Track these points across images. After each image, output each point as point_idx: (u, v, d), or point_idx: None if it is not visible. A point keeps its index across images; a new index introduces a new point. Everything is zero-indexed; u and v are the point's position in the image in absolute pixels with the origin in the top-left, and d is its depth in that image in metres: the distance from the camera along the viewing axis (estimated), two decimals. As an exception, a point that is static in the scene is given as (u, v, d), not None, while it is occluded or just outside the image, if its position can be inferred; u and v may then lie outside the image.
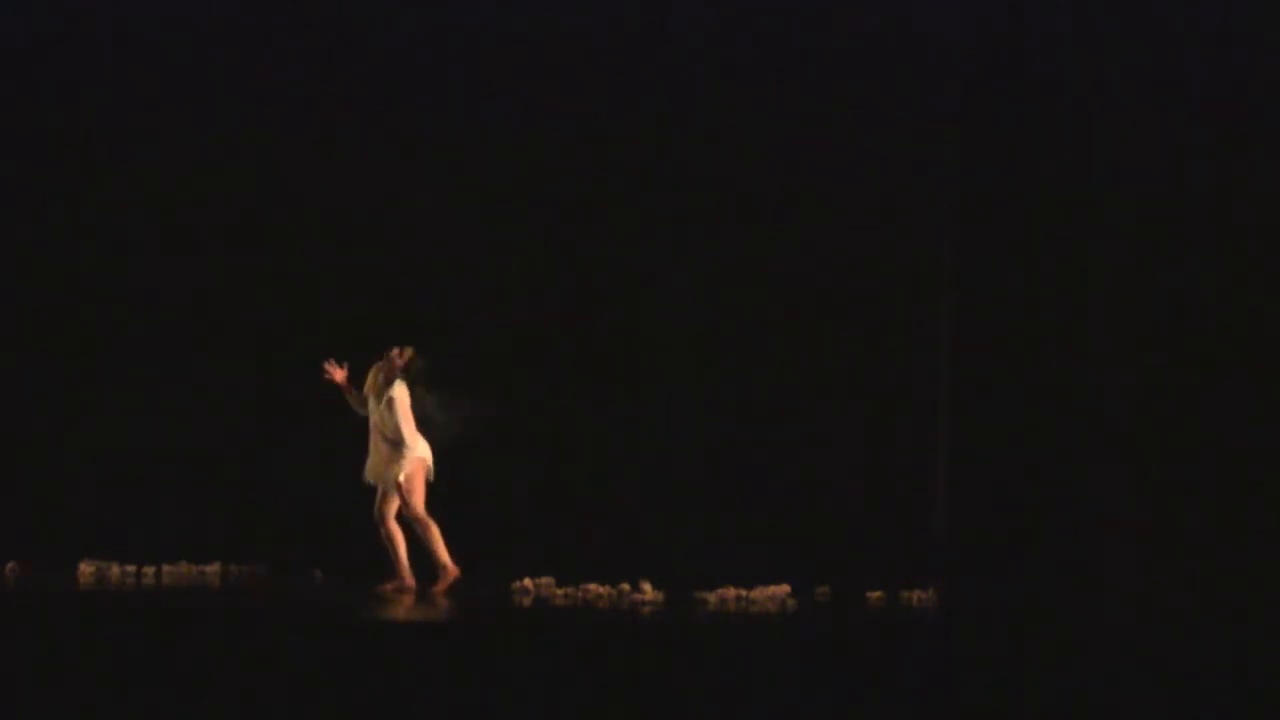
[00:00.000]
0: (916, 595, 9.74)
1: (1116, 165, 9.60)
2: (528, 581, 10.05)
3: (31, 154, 12.57)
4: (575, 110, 11.92)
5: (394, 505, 10.13)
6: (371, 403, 10.33)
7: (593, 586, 9.71)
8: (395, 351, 10.31)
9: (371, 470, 10.23)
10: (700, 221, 11.69)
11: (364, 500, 10.56)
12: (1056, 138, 9.35)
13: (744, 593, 9.63)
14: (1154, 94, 9.67)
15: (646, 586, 9.65)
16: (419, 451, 10.13)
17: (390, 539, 10.11)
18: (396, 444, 10.11)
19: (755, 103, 11.64)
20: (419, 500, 10.08)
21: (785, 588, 9.75)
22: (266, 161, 12.17)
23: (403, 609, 9.23)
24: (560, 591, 9.77)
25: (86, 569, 10.74)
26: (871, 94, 11.42)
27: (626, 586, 9.69)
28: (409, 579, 10.07)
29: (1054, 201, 9.31)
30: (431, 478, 10.20)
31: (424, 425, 10.32)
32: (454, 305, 11.97)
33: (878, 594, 9.79)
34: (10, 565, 10.69)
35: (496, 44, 11.90)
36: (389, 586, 10.00)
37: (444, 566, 10.00)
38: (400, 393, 10.18)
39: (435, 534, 10.03)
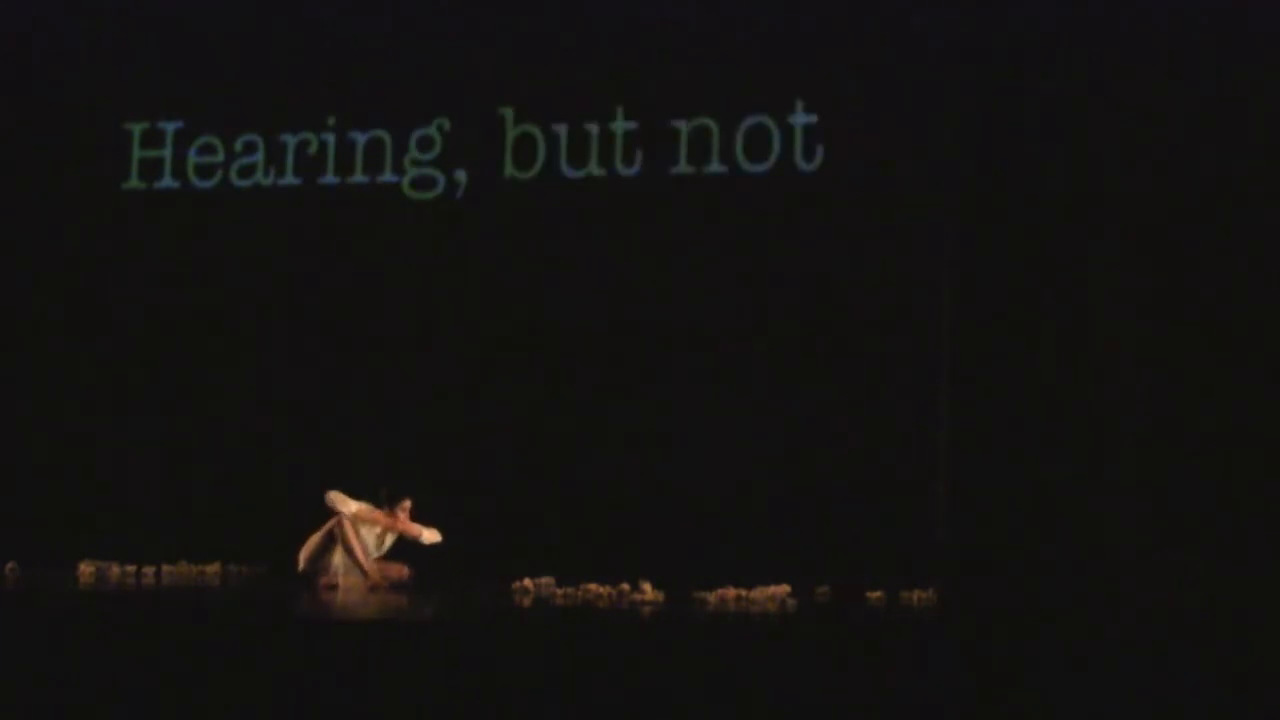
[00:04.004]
0: (916, 595, 9.74)
1: (1117, 165, 9.61)
2: (528, 581, 10.05)
3: (31, 150, 12.61)
4: (580, 112, 11.97)
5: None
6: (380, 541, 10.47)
7: (593, 586, 9.70)
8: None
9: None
10: (700, 221, 11.70)
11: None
12: (1057, 138, 9.36)
13: (744, 593, 9.62)
14: (1154, 93, 9.67)
15: (646, 586, 9.64)
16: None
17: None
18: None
19: (756, 100, 11.66)
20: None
21: (785, 588, 9.74)
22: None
23: (400, 609, 9.22)
24: (560, 591, 9.77)
25: (86, 569, 10.73)
26: (872, 94, 11.43)
27: (626, 586, 9.68)
28: (373, 573, 10.24)
29: (1054, 201, 9.31)
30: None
31: None
32: (455, 303, 11.99)
33: (878, 594, 9.78)
34: (10, 565, 10.69)
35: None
36: (367, 584, 10.15)
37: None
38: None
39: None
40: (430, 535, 10.53)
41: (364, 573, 10.20)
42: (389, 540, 10.49)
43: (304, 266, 12.23)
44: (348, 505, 10.26)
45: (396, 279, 12.11)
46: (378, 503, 10.42)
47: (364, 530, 10.34)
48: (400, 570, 10.45)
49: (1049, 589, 8.66)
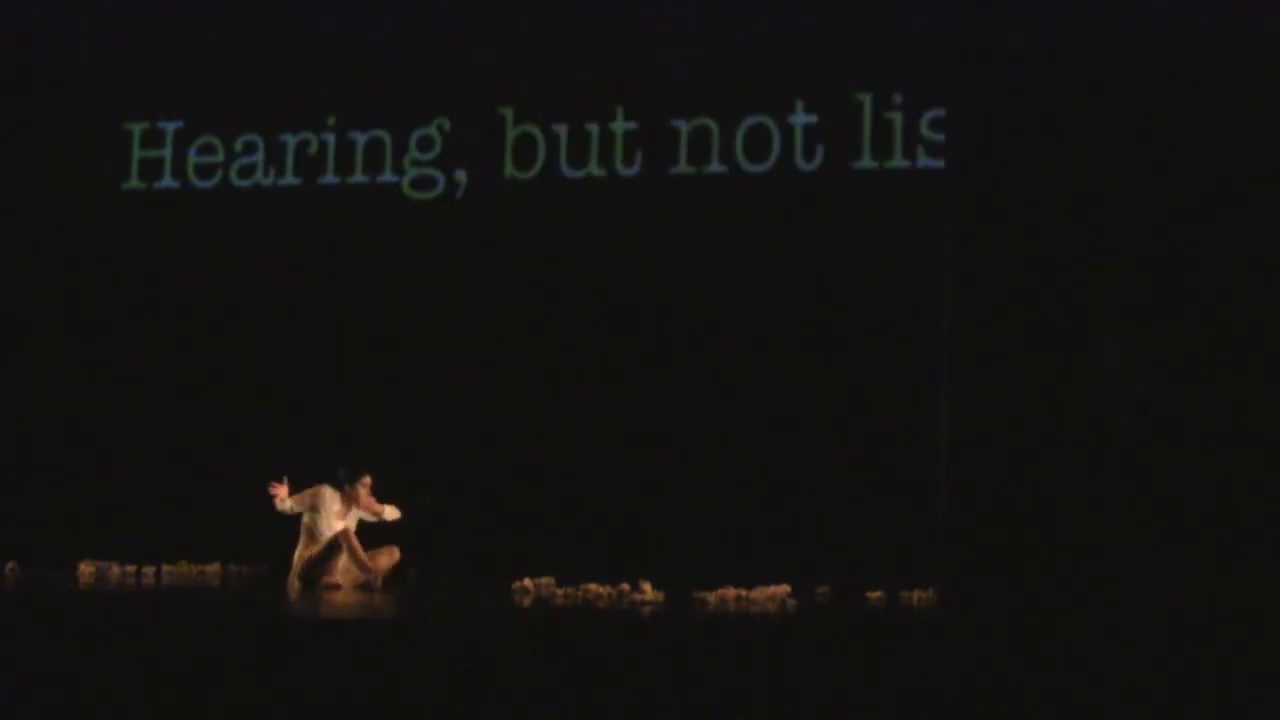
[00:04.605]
0: (916, 595, 9.74)
1: (1117, 165, 9.60)
2: (528, 581, 10.05)
3: (31, 150, 12.62)
4: (580, 112, 11.98)
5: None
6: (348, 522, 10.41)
7: (593, 586, 9.70)
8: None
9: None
10: (700, 221, 11.71)
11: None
12: (1057, 138, 9.35)
13: (744, 593, 9.62)
14: (1154, 93, 9.67)
15: (646, 586, 9.64)
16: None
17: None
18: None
19: (756, 100, 11.67)
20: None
21: (785, 588, 9.74)
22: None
23: (400, 609, 9.23)
24: (560, 591, 9.77)
25: (86, 569, 10.72)
26: (870, 94, 11.44)
27: (626, 586, 9.68)
28: (375, 569, 10.24)
29: (1054, 201, 9.30)
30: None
31: None
32: (455, 303, 12.00)
33: (878, 594, 9.78)
34: (10, 565, 10.69)
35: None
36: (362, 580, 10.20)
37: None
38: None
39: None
40: (391, 512, 10.49)
41: (368, 571, 10.16)
42: (351, 522, 10.41)
43: (304, 266, 12.24)
44: (299, 501, 10.23)
45: (396, 279, 12.11)
46: (336, 483, 10.37)
47: (335, 522, 10.29)
48: (392, 554, 10.38)
49: (1049, 589, 8.64)
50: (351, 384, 12.03)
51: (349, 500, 10.35)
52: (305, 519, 10.30)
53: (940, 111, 11.07)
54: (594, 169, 11.94)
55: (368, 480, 10.40)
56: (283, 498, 10.18)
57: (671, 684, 7.13)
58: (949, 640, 7.73)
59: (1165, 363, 9.49)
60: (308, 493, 10.28)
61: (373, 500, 10.43)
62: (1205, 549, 9.16)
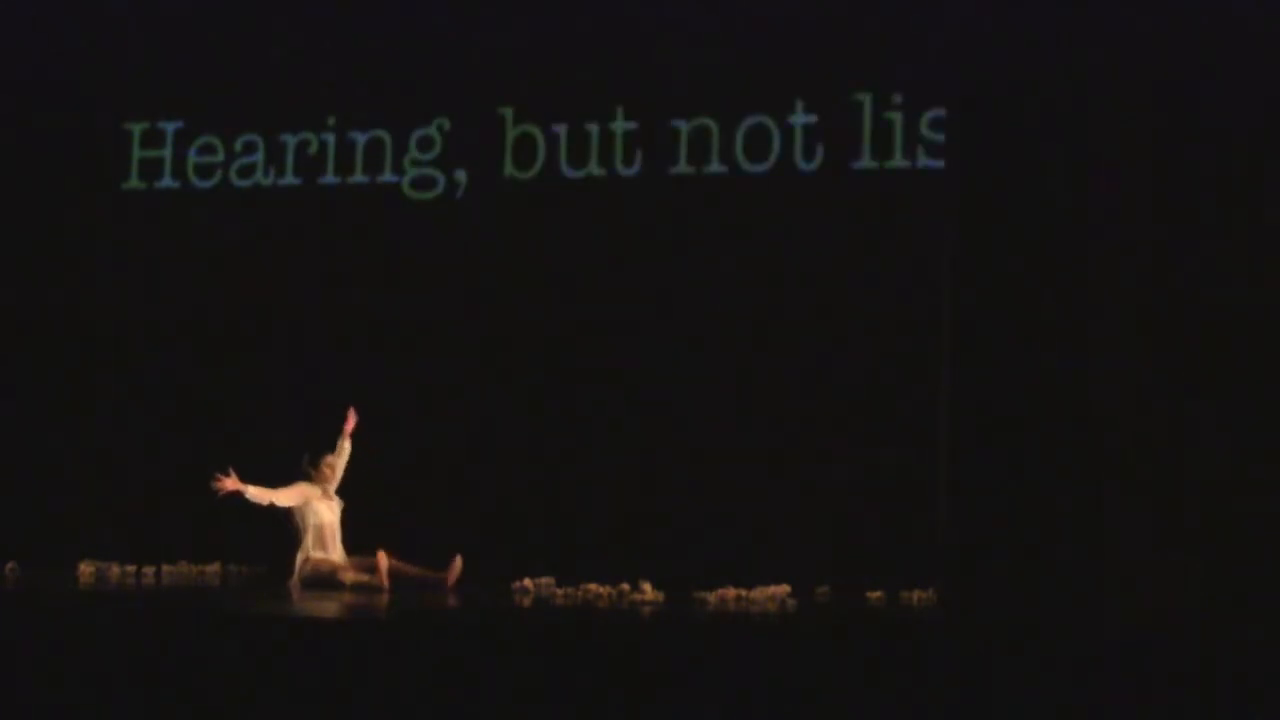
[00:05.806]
0: (916, 595, 9.74)
1: (1117, 165, 9.60)
2: (528, 581, 10.04)
3: (31, 150, 12.61)
4: (580, 112, 11.98)
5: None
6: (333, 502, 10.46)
7: (593, 586, 9.70)
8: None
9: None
10: (700, 221, 11.70)
11: (364, 499, 10.60)
12: (1057, 138, 9.35)
13: (744, 593, 9.62)
14: (1154, 92, 9.67)
15: (646, 586, 9.64)
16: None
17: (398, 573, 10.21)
18: None
19: (756, 100, 11.67)
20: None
21: (785, 588, 9.74)
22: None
23: (400, 609, 9.23)
24: (560, 591, 9.77)
25: (86, 569, 10.73)
26: (870, 94, 11.45)
27: (626, 586, 9.68)
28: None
29: (1054, 201, 9.30)
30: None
31: None
32: (454, 303, 11.99)
33: (878, 594, 9.78)
34: (10, 565, 10.69)
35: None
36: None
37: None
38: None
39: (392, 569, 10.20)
40: (345, 445, 10.59)
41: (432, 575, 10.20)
42: (338, 510, 10.45)
43: (304, 266, 12.23)
44: (277, 495, 10.23)
45: (396, 279, 12.11)
46: (306, 475, 10.40)
47: (322, 507, 10.32)
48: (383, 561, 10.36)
49: (1049, 589, 8.65)
50: (351, 384, 12.01)
51: (321, 483, 10.40)
52: (295, 515, 10.32)
53: (940, 111, 11.07)
54: (594, 169, 11.93)
55: (330, 460, 10.47)
56: (229, 486, 10.09)
57: (671, 684, 7.13)
58: (949, 640, 7.73)
59: (1165, 363, 9.49)
60: (294, 490, 10.31)
61: (332, 476, 10.46)
62: (1205, 549, 9.16)
